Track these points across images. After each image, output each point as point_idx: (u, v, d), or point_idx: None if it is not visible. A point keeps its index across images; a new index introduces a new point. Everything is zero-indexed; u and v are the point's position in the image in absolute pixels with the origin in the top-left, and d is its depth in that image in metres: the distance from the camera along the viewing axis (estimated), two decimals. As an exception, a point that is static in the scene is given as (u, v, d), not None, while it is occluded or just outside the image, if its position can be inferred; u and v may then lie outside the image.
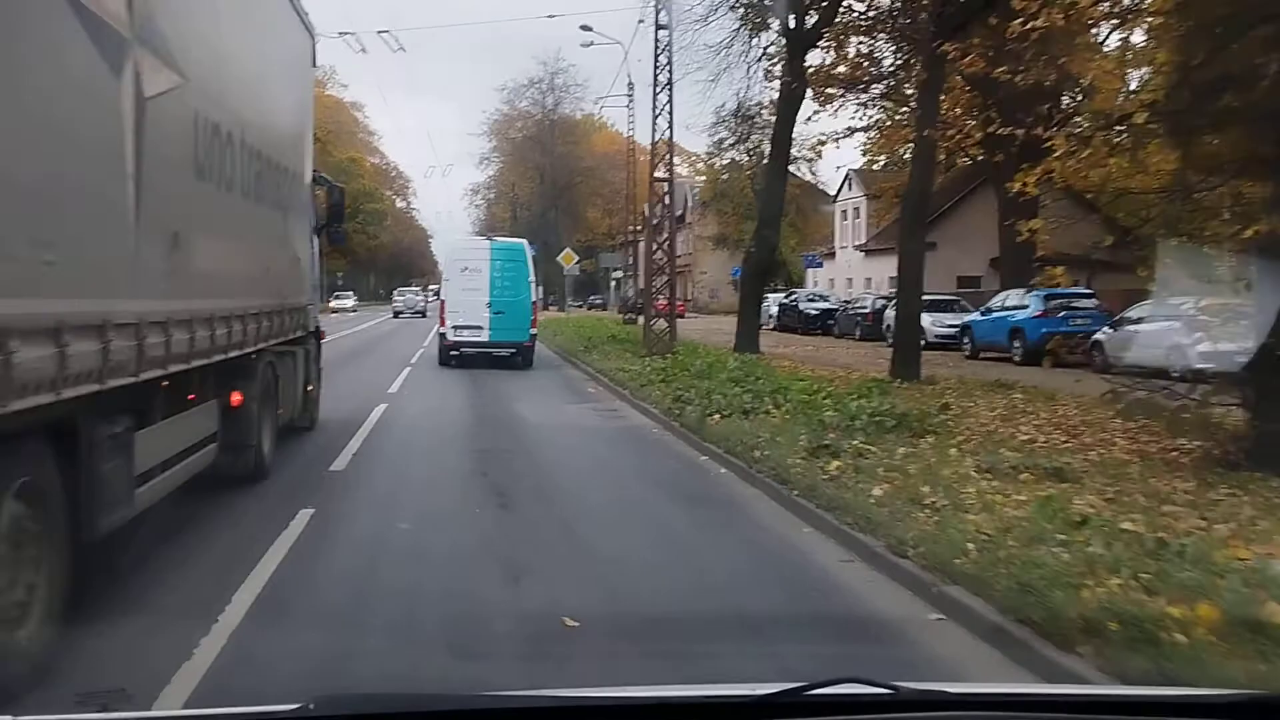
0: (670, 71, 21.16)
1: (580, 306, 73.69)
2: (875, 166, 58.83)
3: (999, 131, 18.03)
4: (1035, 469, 8.08)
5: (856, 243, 42.97)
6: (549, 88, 67.80)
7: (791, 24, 22.10)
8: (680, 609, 5.49)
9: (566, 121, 69.65)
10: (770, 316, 40.13)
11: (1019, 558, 5.51)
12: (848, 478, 8.04)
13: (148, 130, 5.25)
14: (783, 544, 7.17)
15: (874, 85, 37.65)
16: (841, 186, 45.46)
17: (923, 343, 27.99)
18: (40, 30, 4.14)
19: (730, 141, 66.94)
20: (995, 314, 24.28)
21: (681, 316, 54.24)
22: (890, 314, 30.18)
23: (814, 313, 36.03)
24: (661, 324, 21.49)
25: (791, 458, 8.92)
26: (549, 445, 11.61)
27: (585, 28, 36.84)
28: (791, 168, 65.03)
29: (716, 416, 11.65)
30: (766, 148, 63.76)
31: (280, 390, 9.11)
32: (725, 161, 65.83)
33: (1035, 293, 23.65)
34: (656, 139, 21.23)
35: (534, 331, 21.54)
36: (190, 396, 6.56)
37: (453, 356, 20.83)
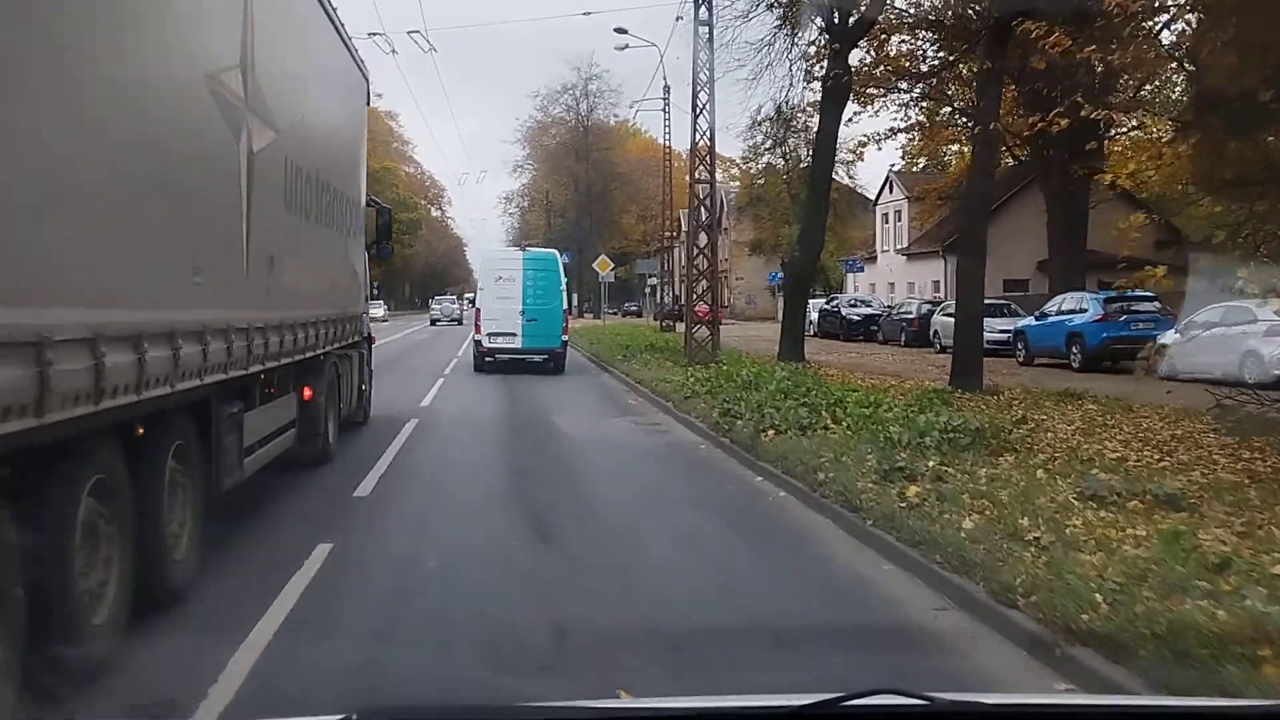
0: (711, 69, 20.32)
1: (615, 313, 73.06)
2: (915, 168, 57.98)
3: (1050, 127, 17.10)
4: (1143, 495, 7.10)
5: (898, 246, 41.86)
6: (583, 94, 67.28)
7: (835, 19, 21.16)
8: (758, 677, 4.59)
9: (600, 127, 69.07)
10: (811, 323, 39.09)
11: (1162, 615, 4.58)
12: (930, 506, 7.12)
13: (255, 177, 6.60)
14: (862, 585, 6.28)
15: (915, 84, 36.74)
16: (882, 189, 44.34)
17: (972, 349, 27.10)
18: (189, 108, 5.53)
19: (766, 145, 66.33)
20: (1051, 319, 23.15)
21: (720, 323, 53.26)
22: (938, 320, 29.17)
23: (856, 318, 34.99)
24: (703, 332, 20.58)
25: (861, 481, 8.01)
26: (591, 464, 10.78)
27: (620, 30, 36.01)
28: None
29: (771, 433, 10.75)
30: (803, 152, 62.75)
31: (341, 387, 10.45)
32: (761, 166, 65.16)
33: (1094, 296, 22.54)
34: (697, 139, 20.36)
35: (565, 338, 22.10)
36: (271, 390, 7.70)
37: (487, 362, 21.29)
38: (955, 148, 46.99)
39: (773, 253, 64.03)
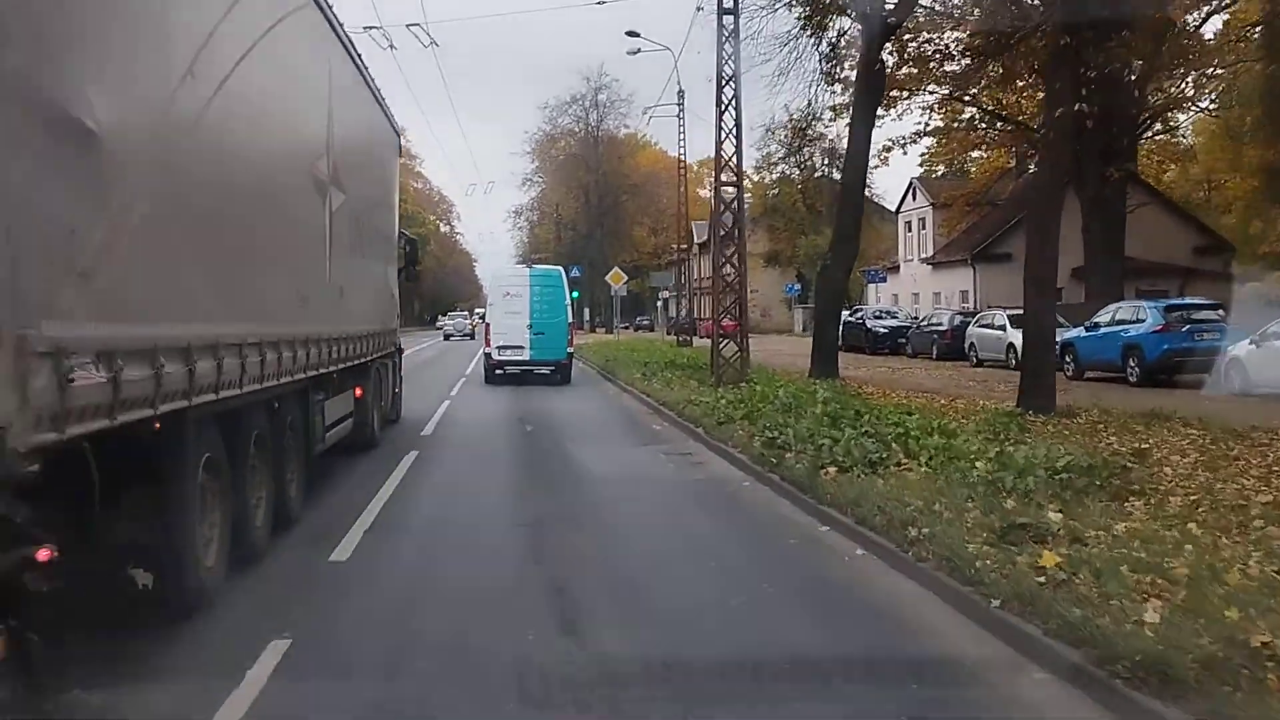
0: (736, 62, 18.59)
1: (627, 328, 71.30)
2: (934, 175, 56.21)
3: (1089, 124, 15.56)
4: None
5: (922, 255, 40.06)
6: (592, 104, 65.68)
7: (868, 9, 19.43)
8: None
9: (611, 138, 67.44)
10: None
11: None
12: (1082, 581, 5.33)
13: (333, 230, 8.92)
14: (1019, 711, 4.47)
15: (942, 86, 34.96)
16: (905, 197, 42.56)
17: (1012, 362, 25.23)
18: (299, 186, 8.09)
19: (781, 155, 64.65)
20: (1104, 329, 21.29)
21: (733, 336, 51.38)
22: (975, 332, 27.38)
23: (883, 331, 33.16)
24: (730, 348, 18.79)
25: (972, 541, 6.23)
26: (619, 510, 9.00)
27: (632, 33, 34.39)
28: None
29: (832, 470, 8.98)
30: (819, 161, 61.04)
31: (381, 388, 12.82)
32: (775, 176, 63.46)
33: (1154, 304, 20.71)
34: (721, 139, 18.61)
35: (571, 350, 23.02)
36: (336, 387, 9.76)
37: (497, 375, 22.08)
38: (976, 154, 45.38)
39: (788, 265, 62.24)
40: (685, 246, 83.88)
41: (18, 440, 3.43)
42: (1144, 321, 20.22)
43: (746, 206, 63.41)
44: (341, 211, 9.22)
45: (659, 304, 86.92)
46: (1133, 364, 20.05)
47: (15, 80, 3.53)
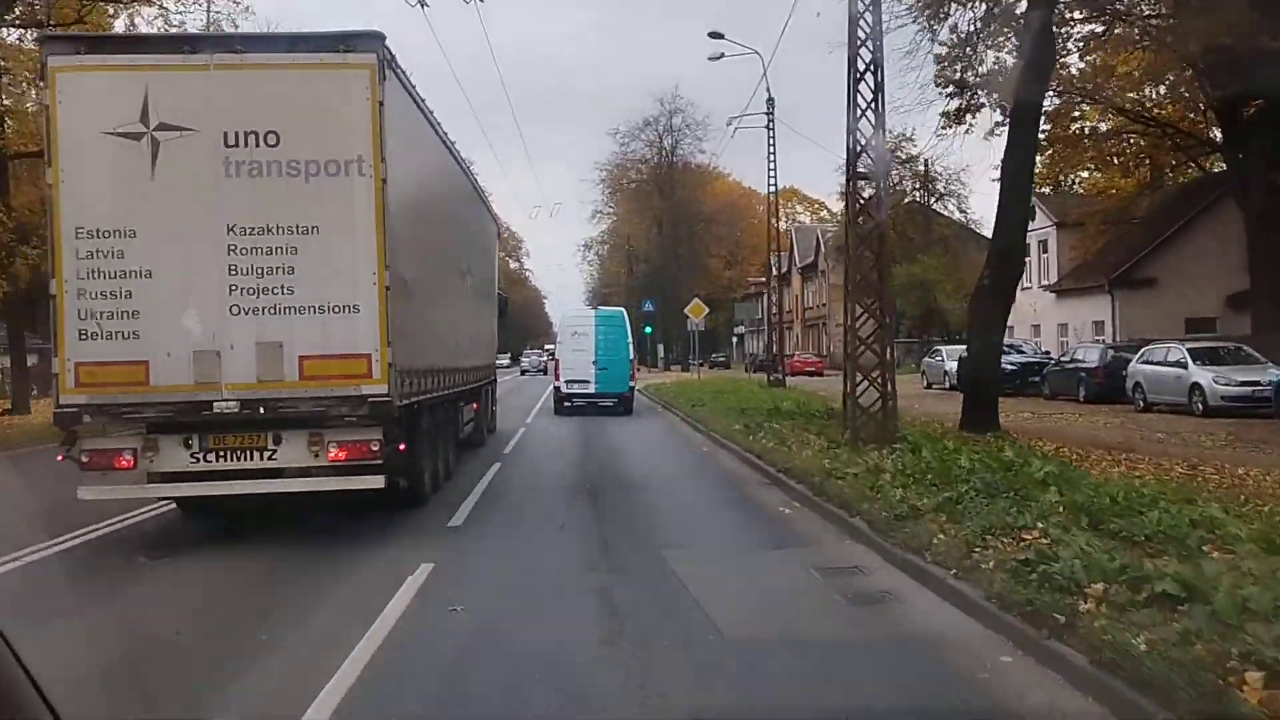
0: (877, 34, 13.80)
1: (701, 364, 66.42)
2: (1044, 189, 50.73)
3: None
4: None
5: (1045, 281, 34.66)
6: (666, 128, 61.18)
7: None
8: None
9: (685, 164, 62.83)
10: (945, 373, 32.21)
11: None
12: None
13: (467, 300, 13.96)
14: None
15: (1069, 87, 29.84)
16: (1021, 216, 37.25)
17: (1198, 407, 19.98)
18: (458, 279, 13.12)
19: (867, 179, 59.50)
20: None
21: (819, 374, 46.74)
22: (1140, 370, 22.06)
23: (1011, 368, 27.85)
24: (870, 394, 13.82)
25: None
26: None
27: (715, 35, 29.96)
28: (938, 205, 56.97)
29: (1255, 676, 4.12)
30: (909, 185, 55.93)
31: (486, 405, 17.76)
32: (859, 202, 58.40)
33: None
34: (856, 119, 13.77)
35: (633, 384, 25.07)
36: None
37: (565, 407, 24.03)
38: (1084, 174, 39.91)
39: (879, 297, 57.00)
40: (764, 279, 79.28)
41: (393, 404, 8.31)
42: None
43: (829, 236, 58.30)
44: (471, 287, 14.41)
45: (734, 340, 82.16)
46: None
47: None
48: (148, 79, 8.03)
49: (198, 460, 8.34)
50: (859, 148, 13.69)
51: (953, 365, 31.69)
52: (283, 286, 8.07)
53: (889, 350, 13.93)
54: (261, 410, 8.13)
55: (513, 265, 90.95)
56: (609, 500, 11.23)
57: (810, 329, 66.63)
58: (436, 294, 10.88)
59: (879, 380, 13.73)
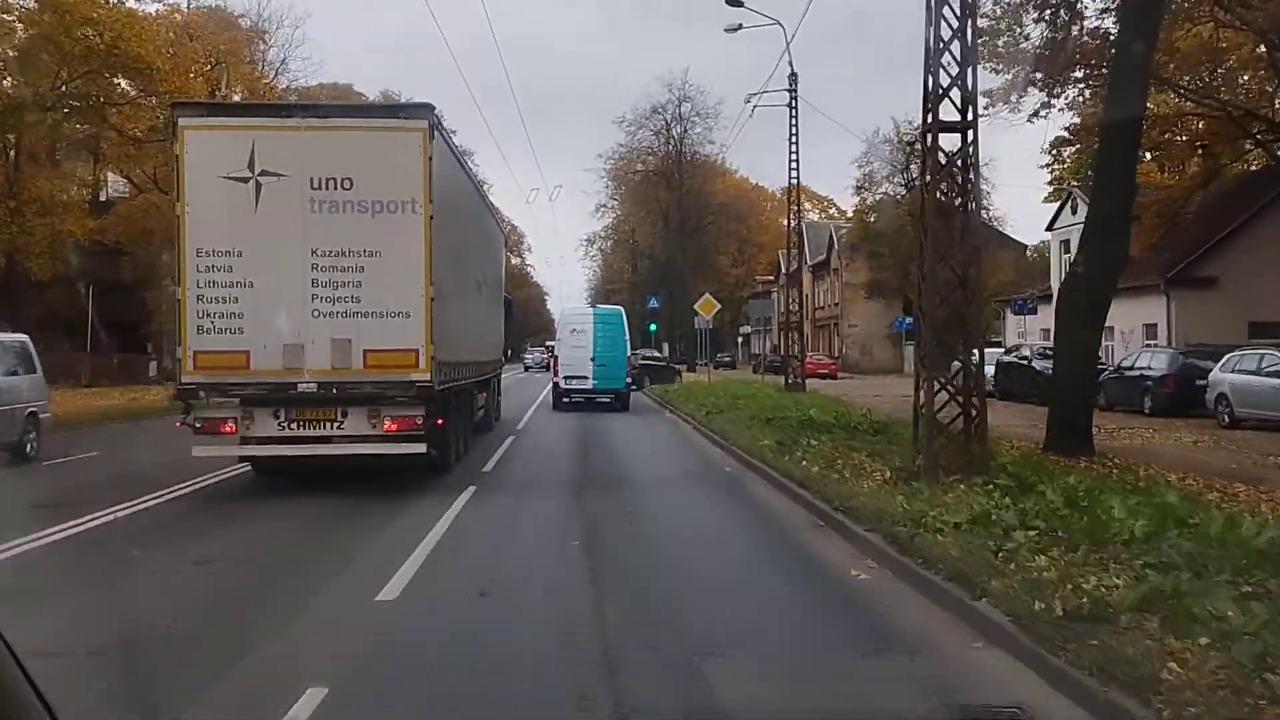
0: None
1: (706, 364, 63.23)
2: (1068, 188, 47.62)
3: None
4: None
5: (1088, 281, 31.56)
6: (675, 117, 57.72)
7: None
8: None
9: (693, 155, 59.34)
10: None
11: None
12: None
13: (482, 305, 15.84)
14: None
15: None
16: (1060, 210, 34.12)
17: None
18: (473, 283, 14.54)
19: (885, 174, 56.27)
20: None
21: (833, 376, 43.54)
22: (1225, 379, 18.94)
23: (1060, 374, 24.79)
24: (951, 409, 10.63)
25: None
26: None
27: (734, 2, 26.83)
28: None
29: None
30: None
31: (493, 395, 19.08)
32: (877, 198, 55.13)
33: None
34: (938, 50, 10.61)
35: (629, 381, 25.35)
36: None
37: (564, 402, 24.29)
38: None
39: (894, 296, 53.84)
40: (772, 277, 75.94)
41: (434, 388, 10.43)
42: None
43: (842, 232, 55.20)
44: (483, 291, 16.03)
45: (739, 340, 79.03)
46: None
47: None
48: (254, 136, 10.40)
49: (283, 428, 10.55)
50: (941, 89, 10.51)
51: (987, 370, 28.58)
52: (352, 296, 10.32)
53: (976, 352, 10.78)
54: (334, 390, 10.39)
55: (514, 261, 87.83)
56: (612, 561, 7.87)
57: (821, 329, 63.49)
58: (462, 301, 12.84)
59: (959, 391, 10.60)
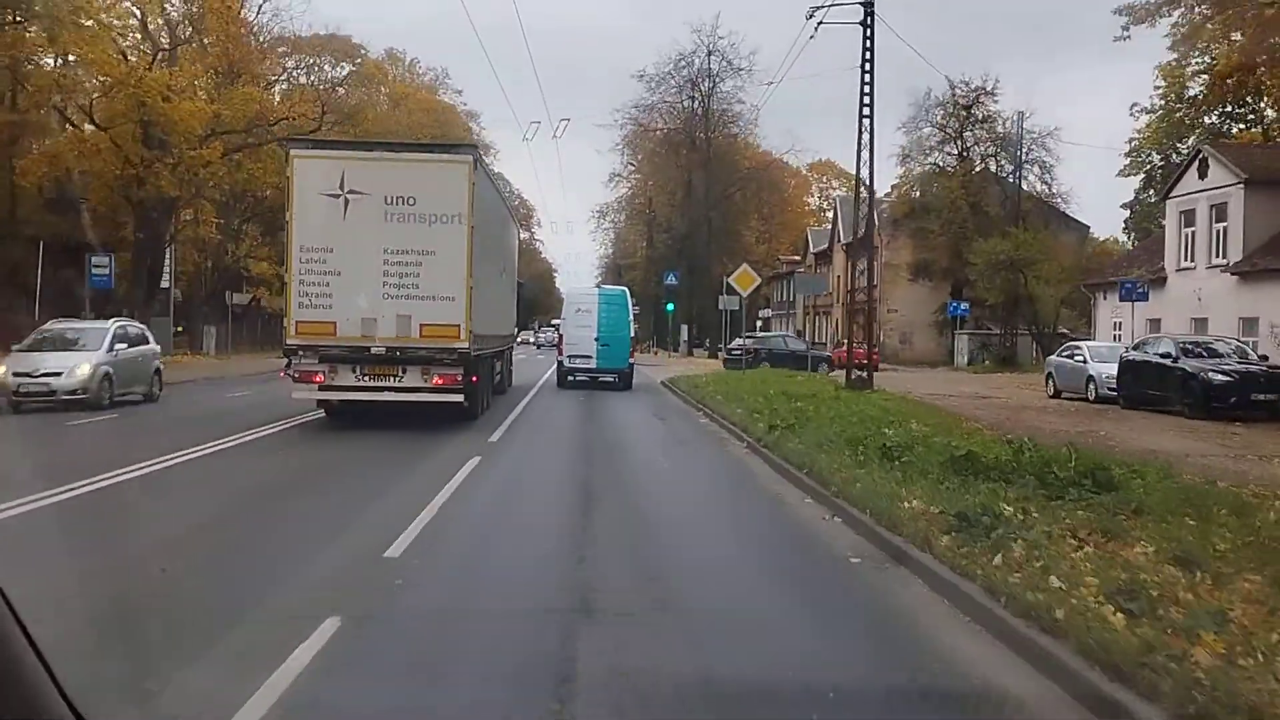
0: None
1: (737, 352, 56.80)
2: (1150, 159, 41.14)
3: None
4: None
5: (1219, 261, 25.08)
6: (704, 71, 50.59)
7: None
8: None
9: (724, 114, 52.03)
10: (1091, 380, 22.85)
11: None
12: None
13: (501, 289, 19.48)
14: None
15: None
16: (1182, 174, 27.53)
17: None
18: (498, 272, 18.83)
19: (935, 141, 49.48)
20: None
21: (875, 369, 37.57)
22: None
23: (1223, 379, 18.42)
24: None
25: None
26: None
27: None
28: (1008, 176, 47.31)
29: None
30: (981, 150, 45.99)
31: (507, 365, 22.23)
32: (926, 167, 48.42)
33: None
34: None
35: (632, 361, 26.06)
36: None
37: (569, 381, 25.20)
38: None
39: (941, 278, 47.31)
40: (798, 256, 69.39)
41: (470, 353, 14.17)
42: None
43: (884, 208, 48.94)
44: (503, 275, 19.63)
45: (758, 323, 72.48)
46: None
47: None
48: (344, 164, 14.10)
49: (359, 380, 14.05)
50: None
51: (1105, 370, 22.24)
52: (412, 284, 13.76)
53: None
54: (397, 353, 13.89)
55: (523, 235, 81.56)
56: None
57: (856, 314, 57.10)
58: (488, 287, 16.19)
59: None
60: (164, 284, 36.31)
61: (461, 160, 14.23)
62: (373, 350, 13.71)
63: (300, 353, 13.93)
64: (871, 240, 28.61)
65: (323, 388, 14.18)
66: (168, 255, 34.71)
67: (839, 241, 60.14)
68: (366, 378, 13.97)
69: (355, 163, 14.07)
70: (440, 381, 13.96)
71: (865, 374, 23.56)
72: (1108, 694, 4.09)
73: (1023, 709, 4.31)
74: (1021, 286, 37.07)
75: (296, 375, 14.07)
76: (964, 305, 42.38)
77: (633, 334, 26.49)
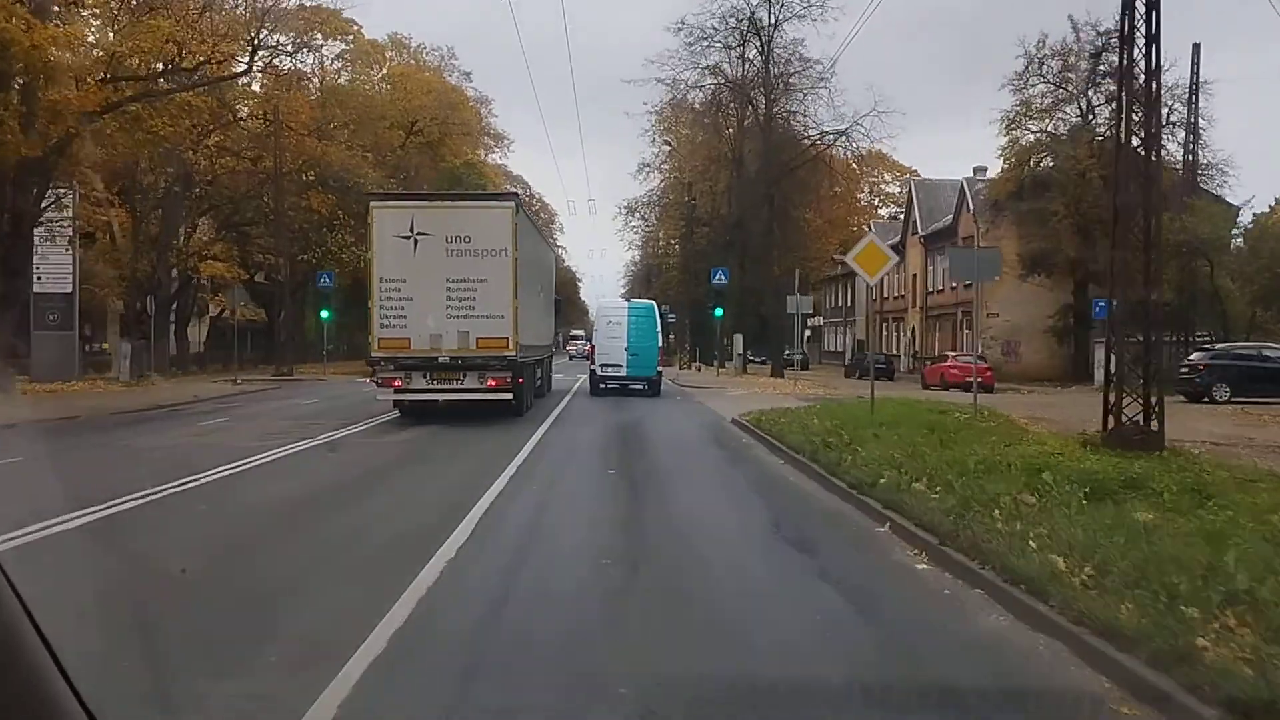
0: None
1: (762, 362, 46.53)
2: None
3: None
4: None
5: None
6: (755, 28, 39.95)
7: None
8: None
9: (783, 77, 41.12)
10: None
11: None
12: None
13: (541, 307, 23.46)
14: None
15: None
16: None
17: None
18: (537, 291, 22.37)
19: (1049, 101, 39.14)
20: None
21: (989, 389, 28.08)
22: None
23: None
24: None
25: None
26: None
27: None
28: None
29: None
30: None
31: (547, 372, 26.54)
32: (1041, 133, 38.09)
33: None
34: None
35: (660, 370, 28.10)
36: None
37: (600, 389, 27.32)
38: None
39: (1066, 274, 36.95)
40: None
41: (518, 360, 18.18)
42: None
43: (979, 189, 38.38)
44: (541, 294, 22.95)
45: (806, 333, 62.17)
46: None
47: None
48: (414, 212, 18.00)
49: (429, 384, 17.90)
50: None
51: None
52: (470, 306, 17.54)
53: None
54: (459, 362, 17.67)
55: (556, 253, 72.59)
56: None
57: (937, 321, 46.85)
58: (530, 306, 20.01)
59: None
60: (48, 285, 27.09)
61: (505, 206, 18.60)
62: (439, 360, 17.71)
63: (382, 363, 18.00)
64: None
65: (399, 390, 18.04)
66: (37, 245, 25.30)
67: (914, 234, 50.05)
68: (434, 381, 18.01)
69: (422, 210, 18.24)
70: (493, 383, 17.92)
71: (1153, 418, 12.13)
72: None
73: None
74: (1205, 279, 26.76)
75: (379, 382, 18.19)
76: (1109, 303, 31.97)
77: (661, 344, 28.68)
